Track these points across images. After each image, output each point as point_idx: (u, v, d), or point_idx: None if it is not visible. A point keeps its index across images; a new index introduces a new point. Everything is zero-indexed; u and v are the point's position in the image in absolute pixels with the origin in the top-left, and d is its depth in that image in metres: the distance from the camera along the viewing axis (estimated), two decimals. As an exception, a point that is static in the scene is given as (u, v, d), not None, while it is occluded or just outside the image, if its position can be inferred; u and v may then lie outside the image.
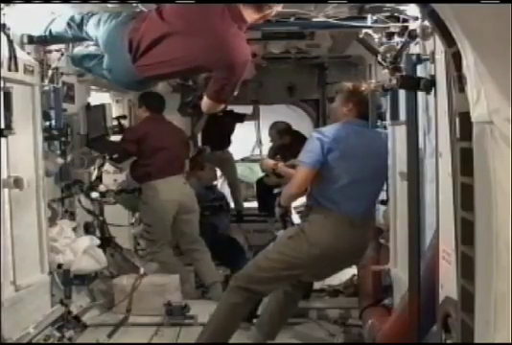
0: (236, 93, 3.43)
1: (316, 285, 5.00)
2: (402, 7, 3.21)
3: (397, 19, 3.39)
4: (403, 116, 3.30)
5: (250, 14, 3.23)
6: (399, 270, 3.67)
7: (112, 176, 5.53)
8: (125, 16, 3.45)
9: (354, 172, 3.62)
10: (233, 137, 8.08)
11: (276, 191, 6.98)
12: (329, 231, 3.59)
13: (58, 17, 3.72)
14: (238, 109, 7.82)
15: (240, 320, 3.79)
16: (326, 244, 3.57)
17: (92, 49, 3.90)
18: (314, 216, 3.65)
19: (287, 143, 7.34)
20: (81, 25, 3.57)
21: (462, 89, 2.11)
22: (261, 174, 7.88)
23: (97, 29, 3.47)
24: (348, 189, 3.62)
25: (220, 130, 7.60)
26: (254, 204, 8.39)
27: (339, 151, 3.57)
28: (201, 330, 3.77)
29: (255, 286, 3.64)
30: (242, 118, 7.91)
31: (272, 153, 7.70)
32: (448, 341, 2.43)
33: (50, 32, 3.72)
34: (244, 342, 3.99)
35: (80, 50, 4.00)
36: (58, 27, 3.69)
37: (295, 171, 3.69)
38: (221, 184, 8.60)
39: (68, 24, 3.62)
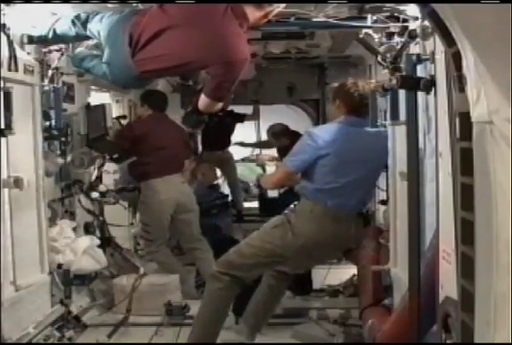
0: (232, 96, 3.43)
1: (316, 285, 5.00)
2: (402, 7, 3.21)
3: (397, 19, 3.39)
4: (403, 116, 3.30)
5: (252, 12, 3.22)
6: (399, 270, 3.67)
7: (112, 176, 5.53)
8: (128, 12, 3.46)
9: (346, 175, 3.66)
10: (233, 137, 8.08)
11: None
12: (313, 224, 3.66)
13: (62, 17, 3.72)
14: (238, 109, 7.82)
15: (228, 306, 3.83)
16: (309, 237, 3.65)
17: (94, 51, 3.90)
18: (302, 208, 3.72)
19: (285, 144, 7.32)
20: (85, 23, 3.57)
21: (462, 89, 2.11)
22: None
23: (100, 24, 3.48)
24: (339, 189, 3.67)
25: (220, 130, 7.59)
26: (254, 204, 8.40)
27: (331, 156, 3.60)
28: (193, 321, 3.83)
29: (236, 272, 3.70)
30: (242, 118, 7.90)
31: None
32: (448, 341, 2.43)
33: (54, 31, 3.71)
34: (242, 342, 4.00)
35: (81, 51, 3.98)
36: (63, 26, 3.68)
37: (277, 169, 3.83)
38: (221, 184, 8.61)
39: (73, 21, 3.61)
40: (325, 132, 3.67)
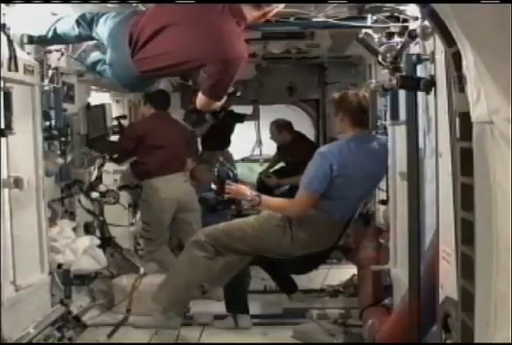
0: (239, 94, 3.42)
1: (316, 285, 5.01)
2: (402, 7, 3.21)
3: (397, 19, 3.39)
4: (403, 116, 3.30)
5: (250, 11, 3.21)
6: (399, 270, 3.67)
7: (112, 176, 5.53)
8: (129, 12, 3.46)
9: (354, 190, 3.79)
10: (233, 137, 8.08)
11: (278, 192, 7.02)
12: (314, 232, 3.81)
13: (65, 16, 3.70)
14: (238, 109, 7.82)
15: (205, 273, 3.98)
16: (306, 244, 3.83)
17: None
18: (308, 217, 3.79)
19: (287, 141, 7.32)
20: (91, 24, 3.55)
21: (462, 89, 2.11)
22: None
23: (104, 26, 3.48)
24: (346, 203, 3.83)
25: (219, 130, 7.60)
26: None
27: (345, 176, 3.70)
28: (161, 283, 4.02)
29: (219, 247, 3.86)
30: (242, 118, 7.90)
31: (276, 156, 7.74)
32: (448, 341, 2.43)
33: (54, 30, 3.69)
34: (243, 342, 4.00)
35: (95, 55, 3.95)
36: (65, 25, 3.66)
37: (299, 194, 3.73)
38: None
39: (77, 21, 3.59)
40: (338, 152, 3.71)
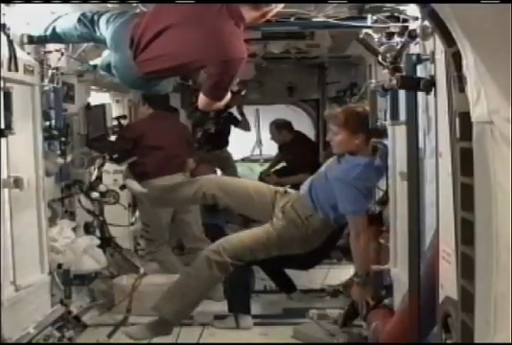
0: (243, 93, 3.44)
1: (316, 285, 5.01)
2: (402, 7, 3.21)
3: (397, 19, 3.39)
4: (403, 116, 3.30)
5: (248, 12, 3.19)
6: (399, 270, 3.67)
7: (112, 176, 5.53)
8: (131, 15, 3.45)
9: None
10: (233, 137, 8.06)
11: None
12: (324, 237, 4.00)
13: (64, 15, 3.68)
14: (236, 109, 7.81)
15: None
16: (316, 247, 4.00)
17: None
18: (321, 227, 3.95)
19: (287, 141, 7.32)
20: (92, 22, 3.54)
21: (462, 89, 2.11)
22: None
23: (105, 28, 3.47)
24: None
25: (217, 130, 7.58)
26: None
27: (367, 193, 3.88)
28: (169, 293, 3.93)
29: (237, 262, 3.90)
30: (236, 122, 7.86)
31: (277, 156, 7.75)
32: (448, 341, 2.43)
33: (53, 29, 3.67)
34: (243, 342, 4.00)
35: (108, 56, 3.91)
36: (66, 24, 3.63)
37: (353, 223, 3.84)
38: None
39: (79, 19, 3.56)
40: (368, 175, 3.81)
